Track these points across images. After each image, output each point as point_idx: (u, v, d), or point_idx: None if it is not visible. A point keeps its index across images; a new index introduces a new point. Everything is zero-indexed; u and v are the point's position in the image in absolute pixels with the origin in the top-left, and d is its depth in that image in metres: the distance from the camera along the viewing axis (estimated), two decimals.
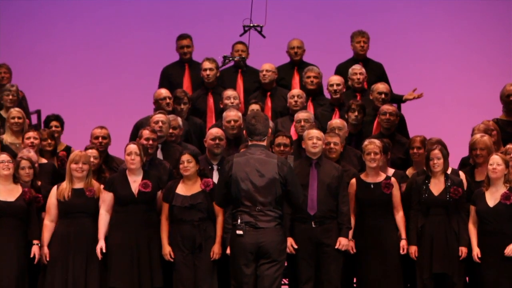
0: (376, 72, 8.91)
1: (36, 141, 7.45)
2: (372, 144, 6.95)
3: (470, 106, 10.08)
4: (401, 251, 6.84)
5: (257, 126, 6.10)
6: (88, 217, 6.74)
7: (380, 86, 8.31)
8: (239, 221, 6.02)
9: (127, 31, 10.72)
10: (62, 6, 10.75)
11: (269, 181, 6.02)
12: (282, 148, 7.17)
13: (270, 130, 6.33)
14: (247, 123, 6.20)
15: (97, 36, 10.71)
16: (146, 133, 7.30)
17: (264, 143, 6.17)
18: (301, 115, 7.76)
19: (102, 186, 6.88)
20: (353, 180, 7.01)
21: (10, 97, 8.43)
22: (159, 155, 7.49)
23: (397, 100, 8.79)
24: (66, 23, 10.77)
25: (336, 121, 7.69)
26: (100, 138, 7.51)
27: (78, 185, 6.80)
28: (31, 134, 7.49)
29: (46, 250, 6.70)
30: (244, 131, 6.40)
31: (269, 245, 6.00)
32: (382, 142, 7.09)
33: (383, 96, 8.24)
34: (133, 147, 6.86)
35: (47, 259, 6.69)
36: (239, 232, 6.01)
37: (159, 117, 7.58)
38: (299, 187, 6.17)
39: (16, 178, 6.81)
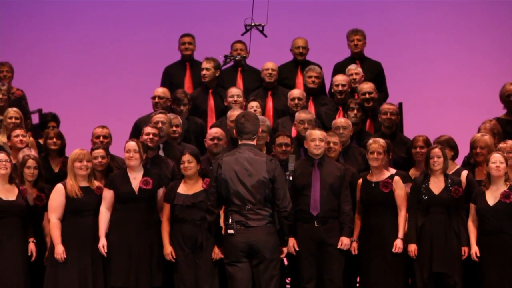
0: (373, 71, 8.89)
1: (25, 139, 7.45)
2: (376, 143, 6.95)
3: (470, 105, 10.08)
4: (393, 249, 6.81)
5: (246, 125, 6.12)
6: (94, 215, 6.75)
7: (364, 87, 8.29)
8: (230, 220, 6.05)
9: (128, 31, 10.72)
10: (63, 6, 10.74)
11: (258, 180, 6.04)
12: (283, 148, 7.18)
13: (260, 130, 6.33)
14: (236, 122, 6.22)
15: (98, 36, 10.71)
16: (147, 129, 7.34)
17: (254, 142, 6.19)
18: (303, 115, 7.72)
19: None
20: (360, 181, 7.01)
21: (0, 96, 8.40)
22: (161, 154, 7.48)
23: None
24: (67, 23, 10.78)
25: (340, 120, 7.65)
26: (101, 138, 7.50)
27: (82, 183, 6.80)
28: (18, 132, 7.48)
29: (62, 248, 6.65)
30: (234, 130, 6.41)
31: (260, 244, 6.01)
32: (385, 142, 7.10)
33: (366, 95, 8.21)
34: (132, 144, 6.87)
35: (65, 256, 6.65)
36: (230, 231, 6.04)
37: (159, 117, 7.58)
38: (285, 187, 6.17)
39: (12, 179, 6.81)
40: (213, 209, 6.20)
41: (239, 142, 6.19)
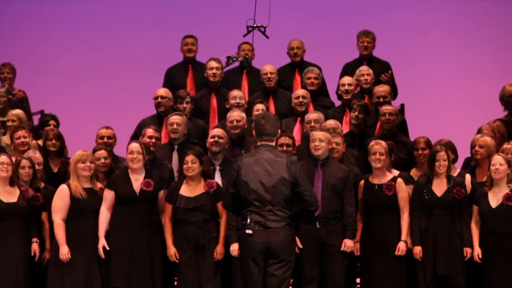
0: (383, 70, 8.88)
1: (26, 140, 7.46)
2: (378, 145, 6.93)
3: (472, 107, 10.09)
4: (396, 252, 6.80)
5: (266, 127, 6.10)
6: (97, 217, 6.74)
7: (379, 89, 8.30)
8: (248, 220, 6.02)
9: (130, 31, 10.73)
10: (64, 6, 10.76)
11: (278, 181, 6.01)
12: (284, 148, 7.15)
13: (280, 131, 6.33)
14: (256, 123, 6.19)
15: (99, 36, 10.72)
16: (149, 131, 7.33)
17: (273, 143, 6.17)
18: (311, 116, 7.72)
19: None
20: (362, 182, 6.99)
21: None
22: (175, 156, 7.49)
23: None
24: (68, 24, 10.79)
25: (330, 122, 7.63)
26: (105, 138, 7.48)
27: (85, 184, 6.80)
28: (20, 133, 7.50)
29: (66, 248, 6.64)
30: (254, 131, 6.39)
31: (278, 245, 6.00)
32: (387, 144, 7.08)
33: (381, 99, 8.22)
34: (135, 146, 6.85)
35: (70, 256, 6.63)
36: (249, 231, 6.01)
37: (175, 118, 7.55)
38: (310, 185, 6.16)
39: (12, 181, 6.80)
40: (229, 208, 6.28)
41: (258, 143, 6.17)
